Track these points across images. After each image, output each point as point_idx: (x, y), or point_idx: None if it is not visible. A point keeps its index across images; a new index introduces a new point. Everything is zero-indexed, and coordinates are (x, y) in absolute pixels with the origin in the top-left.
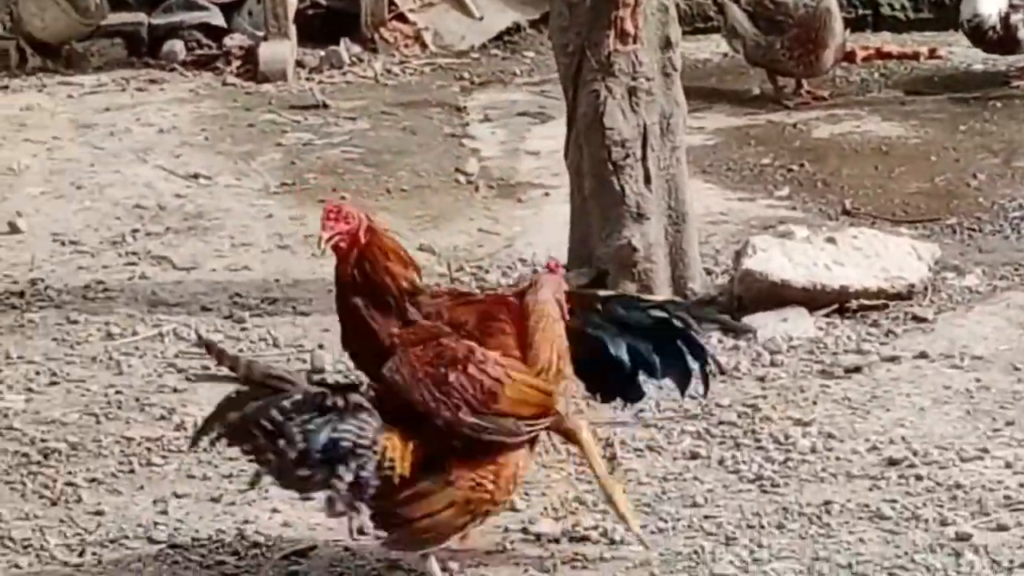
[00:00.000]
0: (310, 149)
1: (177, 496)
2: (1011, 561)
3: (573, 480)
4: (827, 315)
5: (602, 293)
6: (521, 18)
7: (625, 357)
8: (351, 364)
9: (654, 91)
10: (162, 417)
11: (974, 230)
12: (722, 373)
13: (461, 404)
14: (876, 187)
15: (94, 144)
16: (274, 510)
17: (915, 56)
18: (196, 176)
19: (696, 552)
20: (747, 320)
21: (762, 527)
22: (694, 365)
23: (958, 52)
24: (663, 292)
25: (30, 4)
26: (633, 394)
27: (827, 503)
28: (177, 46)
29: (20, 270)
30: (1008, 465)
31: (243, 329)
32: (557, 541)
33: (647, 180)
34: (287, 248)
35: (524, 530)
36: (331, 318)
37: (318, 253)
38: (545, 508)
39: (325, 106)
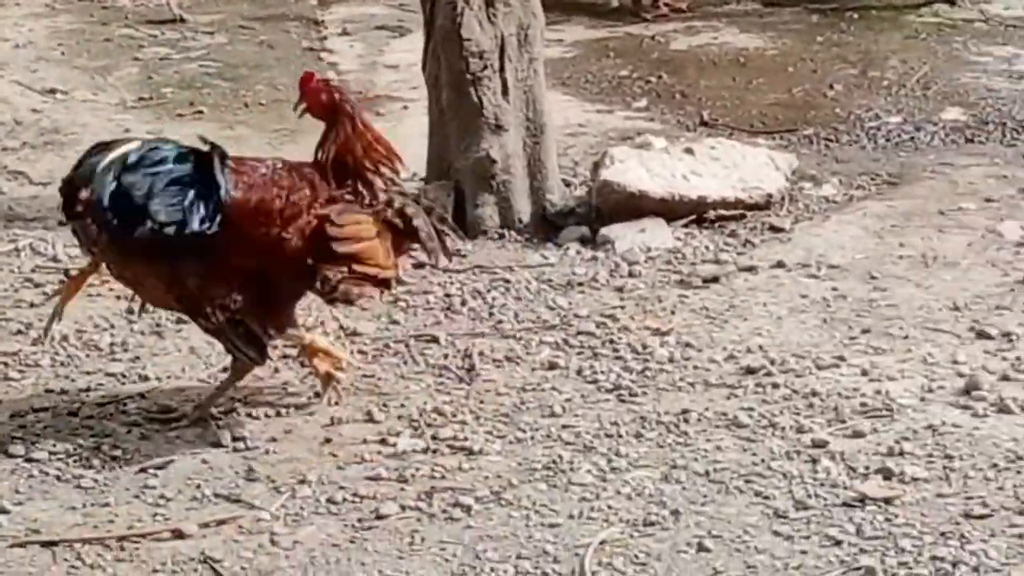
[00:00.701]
0: (167, 64)
1: (35, 411)
2: (867, 467)
3: (432, 391)
4: (685, 225)
5: None
6: None
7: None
8: None
9: (511, 2)
10: (19, 332)
11: (831, 140)
12: None
13: None
14: (734, 98)
15: None
16: (133, 424)
17: None
18: (52, 91)
19: (554, 461)
20: (605, 231)
21: (620, 436)
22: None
23: None
24: (522, 203)
25: None
26: None
27: (685, 412)
28: None
29: None
30: (864, 372)
31: None
32: (416, 452)
33: (505, 92)
34: None
35: (383, 441)
36: None
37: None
38: (400, 417)
39: (182, 20)
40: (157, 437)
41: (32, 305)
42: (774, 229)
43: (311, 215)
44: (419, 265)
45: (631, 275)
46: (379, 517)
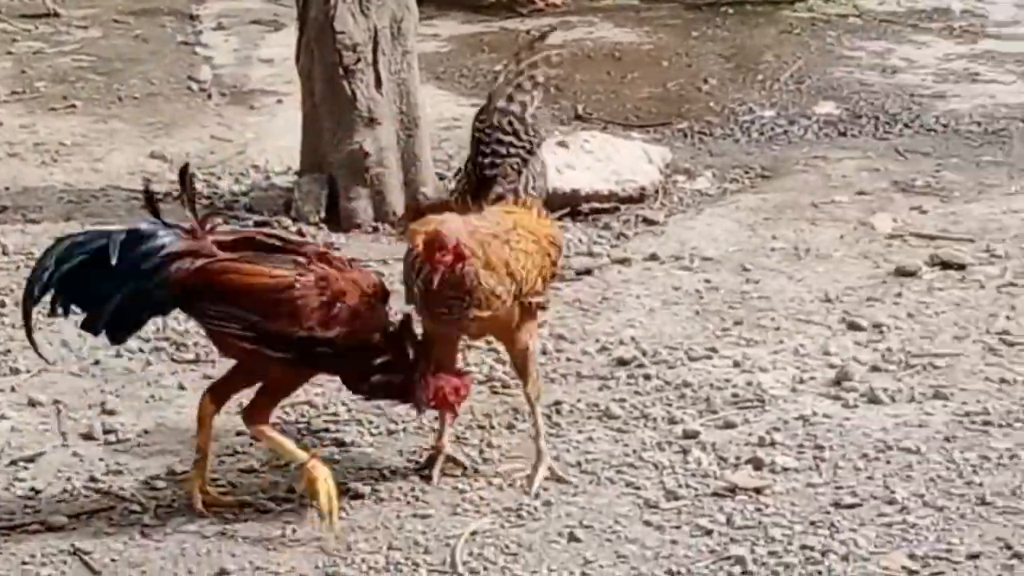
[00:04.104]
0: (40, 58)
1: None
2: (737, 457)
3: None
4: (559, 218)
5: None
6: None
7: None
8: None
9: None
10: None
11: (705, 134)
12: None
13: None
14: (609, 92)
15: None
16: (2, 416)
17: None
18: None
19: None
20: None
21: (492, 427)
22: None
23: None
24: (395, 197)
25: None
26: None
27: (557, 403)
28: None
29: None
30: (736, 364)
31: None
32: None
33: (378, 85)
34: (17, 156)
35: (255, 437)
36: (61, 225)
37: None
38: None
39: (56, 15)
40: (27, 429)
41: None
42: (648, 222)
43: None
44: None
45: None
46: (255, 511)
